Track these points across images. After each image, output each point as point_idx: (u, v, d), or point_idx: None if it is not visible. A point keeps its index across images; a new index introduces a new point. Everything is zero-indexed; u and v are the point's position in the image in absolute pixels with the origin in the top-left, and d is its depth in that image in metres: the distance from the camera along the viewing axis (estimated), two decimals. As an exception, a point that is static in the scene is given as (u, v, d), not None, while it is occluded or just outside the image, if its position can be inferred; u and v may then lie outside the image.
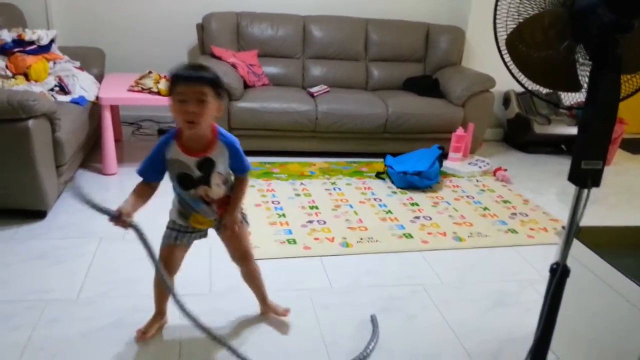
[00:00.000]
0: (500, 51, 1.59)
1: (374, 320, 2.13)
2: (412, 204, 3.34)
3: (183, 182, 1.76)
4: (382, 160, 3.88)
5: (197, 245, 1.98)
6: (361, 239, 2.84)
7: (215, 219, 1.87)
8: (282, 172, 3.64)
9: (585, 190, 1.43)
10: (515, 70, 1.64)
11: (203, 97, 1.59)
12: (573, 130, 4.55)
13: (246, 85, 4.02)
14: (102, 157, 3.43)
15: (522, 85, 1.62)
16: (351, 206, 3.24)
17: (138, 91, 3.49)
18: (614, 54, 1.35)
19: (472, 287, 2.48)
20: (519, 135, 4.71)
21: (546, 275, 2.56)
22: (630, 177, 4.24)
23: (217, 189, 1.78)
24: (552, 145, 4.69)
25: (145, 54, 4.39)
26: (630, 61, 1.45)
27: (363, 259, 2.67)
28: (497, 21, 1.60)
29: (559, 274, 1.43)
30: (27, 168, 2.63)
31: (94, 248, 2.57)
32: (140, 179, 1.81)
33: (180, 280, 1.97)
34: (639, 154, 4.87)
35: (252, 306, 2.14)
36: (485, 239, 2.96)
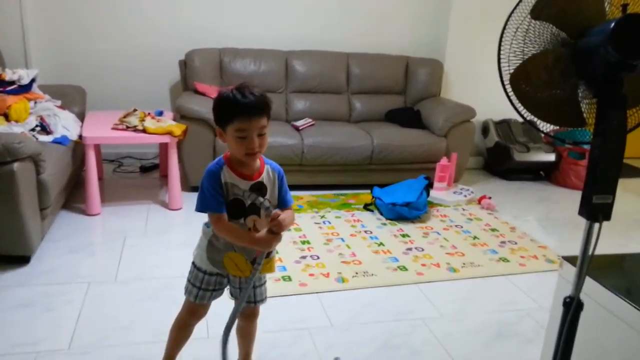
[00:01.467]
0: (505, 89, 1.62)
1: None
2: (403, 235, 3.34)
3: (234, 209, 1.59)
4: (369, 191, 3.89)
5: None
6: (356, 273, 2.82)
7: (251, 262, 1.64)
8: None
9: (597, 224, 1.45)
10: (519, 107, 1.67)
11: (264, 130, 1.53)
12: (551, 157, 4.66)
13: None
14: (86, 198, 3.35)
15: (528, 121, 1.65)
16: (343, 239, 3.22)
17: (122, 129, 3.44)
18: (619, 92, 1.39)
19: (471, 319, 2.47)
20: (499, 163, 4.80)
21: (543, 304, 2.58)
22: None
23: (264, 221, 1.60)
24: (531, 172, 4.78)
25: (127, 91, 4.36)
26: (633, 94, 1.50)
27: (360, 294, 2.65)
28: (502, 59, 1.63)
29: (573, 309, 1.43)
30: (11, 212, 2.54)
31: (83, 293, 2.48)
32: (204, 218, 1.64)
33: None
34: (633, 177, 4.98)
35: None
36: (478, 268, 2.97)
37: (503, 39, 1.66)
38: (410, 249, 3.15)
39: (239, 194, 1.57)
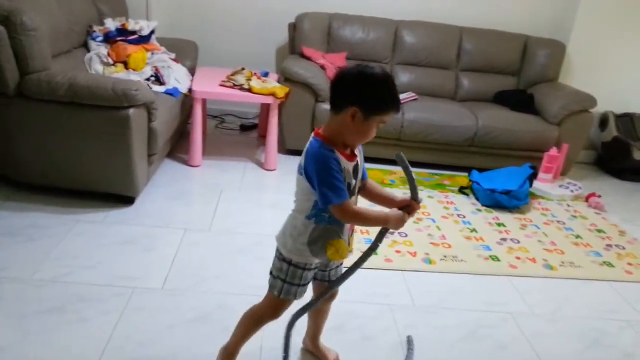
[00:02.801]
0: None
1: (410, 342, 2.02)
2: (498, 224, 3.18)
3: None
4: (466, 174, 3.73)
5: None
6: (445, 256, 2.73)
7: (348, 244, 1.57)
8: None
9: None
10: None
11: None
12: (677, 160, 4.21)
13: (333, 87, 3.98)
14: (189, 149, 3.50)
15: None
16: (433, 220, 3.13)
17: (229, 87, 3.53)
18: None
19: (566, 322, 2.31)
20: (615, 160, 4.41)
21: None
22: None
23: (354, 201, 1.54)
24: (651, 174, 4.35)
25: (237, 49, 4.45)
26: None
27: (447, 278, 2.56)
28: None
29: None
30: (123, 155, 2.70)
31: (179, 239, 2.61)
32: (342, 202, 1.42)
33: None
34: None
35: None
36: (578, 269, 2.76)
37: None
38: (504, 239, 2.99)
39: (348, 177, 1.46)
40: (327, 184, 1.40)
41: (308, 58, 4.05)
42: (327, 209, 1.44)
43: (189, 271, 2.35)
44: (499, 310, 2.33)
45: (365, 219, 1.50)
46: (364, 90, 1.38)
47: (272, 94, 3.45)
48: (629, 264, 2.89)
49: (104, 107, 2.63)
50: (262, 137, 4.08)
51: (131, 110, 2.65)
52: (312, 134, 1.47)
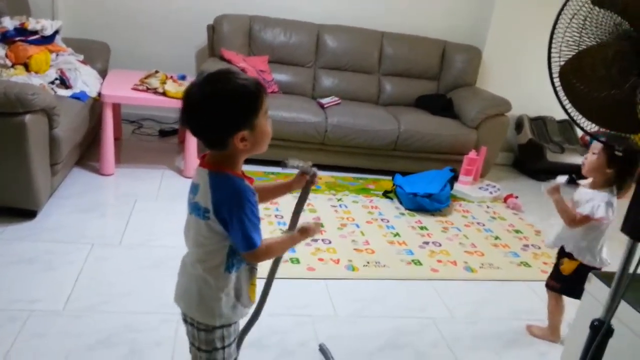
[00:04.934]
0: (553, 82, 1.45)
1: (324, 350, 1.96)
2: (421, 228, 3.20)
3: None
4: (390, 178, 3.74)
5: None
6: (368, 262, 2.69)
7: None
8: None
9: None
10: (566, 104, 1.50)
11: None
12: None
13: (255, 92, 3.88)
14: (100, 157, 3.28)
15: (572, 119, 1.48)
16: (357, 226, 3.09)
17: (143, 90, 3.34)
18: None
19: (485, 324, 2.33)
20: (530, 161, 4.58)
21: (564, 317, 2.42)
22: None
23: None
24: (564, 174, 4.55)
25: (153, 51, 4.25)
26: None
27: (370, 284, 2.52)
28: (552, 49, 1.45)
29: (601, 334, 1.29)
30: (20, 165, 2.47)
31: (85, 255, 2.41)
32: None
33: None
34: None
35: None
36: (497, 271, 2.81)
37: (556, 27, 1.49)
38: (427, 243, 3.00)
39: None
40: (251, 225, 1.20)
41: (228, 61, 3.93)
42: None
43: (94, 290, 2.17)
44: (420, 315, 2.31)
45: (286, 247, 1.39)
46: (240, 104, 1.18)
47: (190, 98, 3.30)
48: (544, 263, 2.98)
49: (-1, 114, 2.39)
50: (182, 142, 3.90)
51: (27, 117, 2.43)
52: (206, 168, 1.22)
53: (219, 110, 1.16)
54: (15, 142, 2.44)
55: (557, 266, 2.22)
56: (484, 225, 3.39)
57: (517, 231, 3.37)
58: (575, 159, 4.41)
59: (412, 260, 2.78)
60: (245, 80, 1.21)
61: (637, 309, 1.61)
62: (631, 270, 1.29)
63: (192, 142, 3.38)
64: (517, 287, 2.70)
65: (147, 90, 3.34)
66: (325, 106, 3.94)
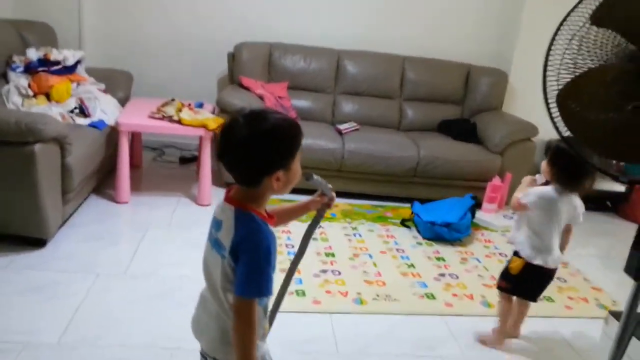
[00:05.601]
0: (549, 108, 1.35)
1: None
2: (438, 259, 3.06)
3: None
4: (409, 205, 3.62)
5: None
6: (377, 295, 2.58)
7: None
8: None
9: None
10: (563, 130, 1.40)
11: None
12: (620, 187, 4.20)
13: (272, 118, 3.87)
14: (115, 185, 3.30)
15: (574, 149, 1.38)
16: (371, 256, 2.99)
17: (159, 118, 3.36)
18: None
19: (498, 365, 2.18)
20: (561, 187, 4.38)
21: (586, 357, 2.24)
22: None
23: None
24: (597, 202, 4.32)
25: (174, 80, 4.31)
26: None
27: (377, 319, 2.41)
28: (549, 72, 1.36)
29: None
30: (30, 194, 2.50)
31: (89, 285, 2.39)
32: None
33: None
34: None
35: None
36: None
37: (553, 48, 1.40)
38: (443, 275, 2.87)
39: None
40: (259, 272, 1.15)
41: (247, 88, 3.94)
42: None
43: (93, 322, 2.14)
44: (427, 355, 2.18)
45: (249, 341, 1.18)
46: (287, 142, 1.19)
47: (204, 126, 3.30)
48: (570, 297, 2.80)
49: (8, 143, 2.43)
50: (200, 170, 3.90)
51: (37, 146, 2.46)
52: (232, 205, 1.19)
53: (263, 149, 1.15)
54: (26, 171, 2.47)
55: (505, 267, 2.26)
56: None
57: (542, 263, 3.18)
58: (608, 186, 4.19)
59: (425, 294, 2.65)
60: (286, 120, 1.22)
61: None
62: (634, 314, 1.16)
63: (205, 169, 3.38)
64: (537, 324, 2.53)
65: (163, 118, 3.36)
66: (343, 132, 3.88)
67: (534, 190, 2.16)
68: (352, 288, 2.61)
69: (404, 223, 3.50)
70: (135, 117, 3.39)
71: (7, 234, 2.61)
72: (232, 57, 4.16)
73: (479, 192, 3.72)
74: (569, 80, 1.37)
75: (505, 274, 2.24)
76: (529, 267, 2.15)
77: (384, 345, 2.22)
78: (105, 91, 3.63)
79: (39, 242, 2.65)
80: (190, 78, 4.33)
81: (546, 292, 2.76)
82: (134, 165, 3.88)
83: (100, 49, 4.22)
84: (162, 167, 4.13)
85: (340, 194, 3.78)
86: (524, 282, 2.19)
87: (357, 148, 3.71)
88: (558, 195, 2.09)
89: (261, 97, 3.88)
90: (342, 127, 3.94)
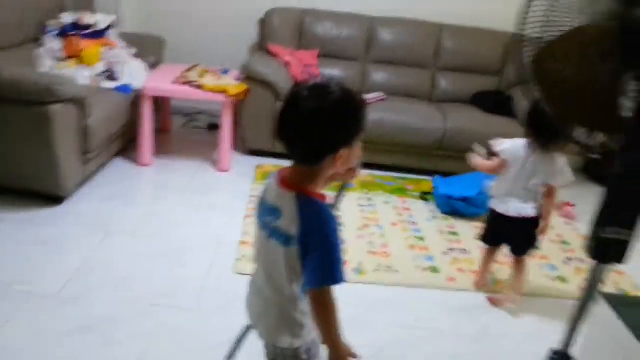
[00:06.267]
0: (524, 69, 1.28)
1: None
2: (452, 233, 2.98)
3: None
4: (432, 179, 3.53)
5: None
6: (378, 266, 2.55)
7: None
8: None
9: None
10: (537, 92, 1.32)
11: None
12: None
13: (298, 86, 3.85)
14: (137, 147, 3.40)
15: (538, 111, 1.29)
16: (381, 227, 2.95)
17: (182, 83, 3.41)
18: None
19: (490, 344, 2.11)
20: (603, 166, 4.12)
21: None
22: None
23: None
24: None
25: (206, 46, 4.34)
26: None
27: (373, 290, 2.39)
28: (525, 32, 1.28)
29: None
30: (47, 152, 2.62)
31: (97, 242, 2.50)
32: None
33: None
34: None
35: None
36: (526, 285, 2.54)
37: (530, 8, 1.30)
38: (452, 250, 2.79)
39: None
40: (339, 261, 1.11)
41: (274, 55, 3.92)
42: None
43: (95, 277, 2.25)
44: (420, 326, 2.15)
45: (333, 319, 1.18)
46: (353, 124, 1.12)
47: (224, 92, 3.33)
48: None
49: (29, 103, 2.55)
50: (227, 136, 3.95)
51: (55, 106, 2.56)
52: (291, 190, 1.14)
53: (331, 123, 1.08)
54: (44, 130, 2.58)
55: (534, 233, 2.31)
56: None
57: (564, 242, 3.04)
58: None
59: (430, 267, 2.60)
60: (352, 92, 1.14)
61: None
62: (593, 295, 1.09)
63: (226, 135, 3.41)
64: (544, 305, 2.42)
65: (186, 83, 3.41)
66: (368, 102, 3.80)
67: (508, 140, 2.29)
68: (354, 258, 2.59)
69: (423, 196, 3.42)
70: (160, 82, 3.46)
71: (26, 189, 2.74)
72: (263, 23, 4.15)
73: (507, 168, 3.56)
74: (545, 41, 1.28)
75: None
76: (494, 214, 2.28)
77: (376, 316, 2.20)
78: (136, 56, 3.71)
79: (56, 199, 2.79)
80: (222, 45, 4.35)
81: (560, 272, 2.65)
82: (163, 130, 3.99)
83: (136, 14, 4.30)
84: (190, 132, 4.21)
85: (363, 165, 3.75)
86: (492, 231, 2.34)
87: (381, 118, 3.63)
88: (530, 151, 2.14)
89: (288, 64, 3.85)
90: (367, 96, 3.86)
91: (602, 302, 1.65)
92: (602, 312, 1.62)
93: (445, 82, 4.21)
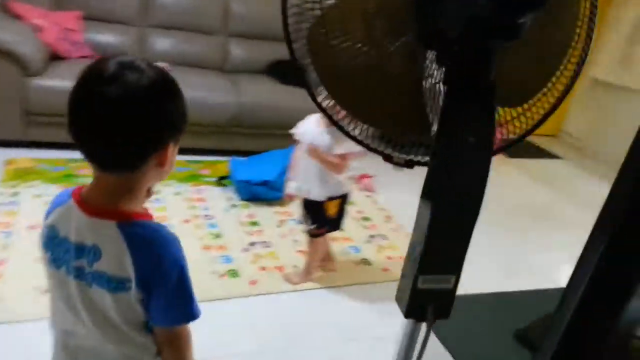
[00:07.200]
0: (292, 49, 0.96)
1: None
2: (252, 223, 2.69)
3: None
4: (229, 160, 3.18)
5: None
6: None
7: None
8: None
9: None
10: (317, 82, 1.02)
11: None
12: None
13: (56, 57, 3.13)
14: None
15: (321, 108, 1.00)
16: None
17: None
18: (485, 77, 0.77)
19: (299, 354, 1.88)
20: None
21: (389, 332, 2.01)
22: (499, 188, 3.82)
23: None
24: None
25: None
26: (513, 86, 0.88)
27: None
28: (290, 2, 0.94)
29: None
30: None
31: None
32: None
33: None
34: (516, 157, 4.56)
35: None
36: (331, 276, 2.37)
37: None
38: (253, 244, 2.50)
39: None
40: (191, 294, 0.92)
41: (19, 17, 3.12)
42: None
43: None
44: (216, 356, 1.81)
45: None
46: (173, 108, 0.89)
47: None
48: (388, 257, 2.60)
49: None
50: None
51: None
52: (108, 220, 0.87)
53: (159, 109, 0.86)
54: None
55: (319, 216, 2.15)
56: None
57: (365, 218, 2.96)
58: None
59: (229, 271, 2.26)
60: (166, 72, 0.90)
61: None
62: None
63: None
64: (351, 293, 2.27)
65: None
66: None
67: (300, 123, 2.31)
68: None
69: (220, 181, 3.05)
70: None
71: None
72: (2, -25, 3.27)
73: (307, 142, 3.37)
74: (318, 11, 0.95)
75: (323, 221, 2.16)
76: (343, 201, 2.21)
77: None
78: None
79: None
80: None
81: (363, 254, 2.55)
82: None
83: None
84: None
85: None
86: (339, 218, 2.22)
87: (165, 94, 3.13)
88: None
89: (39, 28, 3.09)
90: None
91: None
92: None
93: (238, 51, 3.85)
